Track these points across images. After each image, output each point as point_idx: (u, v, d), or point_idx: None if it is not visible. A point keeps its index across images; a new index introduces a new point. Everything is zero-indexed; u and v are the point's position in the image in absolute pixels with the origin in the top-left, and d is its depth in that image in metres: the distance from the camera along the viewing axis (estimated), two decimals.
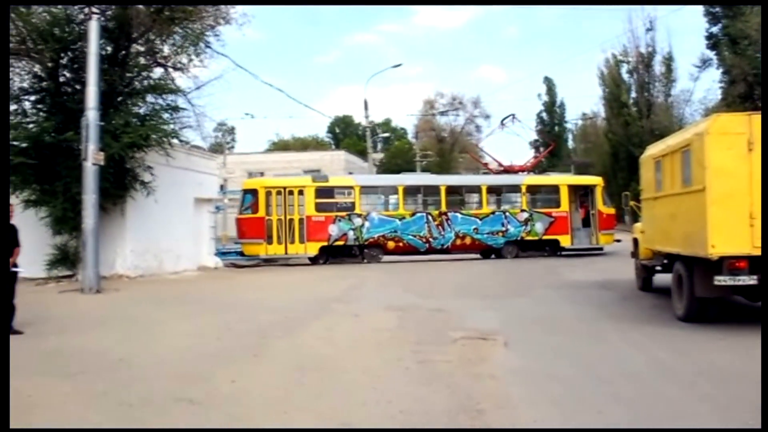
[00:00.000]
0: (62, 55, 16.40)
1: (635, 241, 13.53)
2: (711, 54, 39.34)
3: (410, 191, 23.45)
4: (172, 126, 17.56)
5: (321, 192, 22.44)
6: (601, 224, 23.38)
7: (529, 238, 23.07)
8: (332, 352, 7.91)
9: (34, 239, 14.38)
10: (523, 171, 25.91)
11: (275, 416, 5.46)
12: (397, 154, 64.18)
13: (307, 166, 41.86)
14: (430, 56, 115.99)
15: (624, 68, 45.88)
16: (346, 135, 77.33)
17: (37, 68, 16.67)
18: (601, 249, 23.56)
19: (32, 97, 17.05)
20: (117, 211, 17.00)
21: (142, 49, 17.90)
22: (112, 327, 10.05)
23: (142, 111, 17.56)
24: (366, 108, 38.88)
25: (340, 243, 22.23)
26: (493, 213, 23.05)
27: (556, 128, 73.99)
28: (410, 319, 10.15)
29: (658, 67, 43.96)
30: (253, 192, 22.31)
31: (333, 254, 22.34)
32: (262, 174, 35.77)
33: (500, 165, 27.27)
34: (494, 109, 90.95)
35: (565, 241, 23.23)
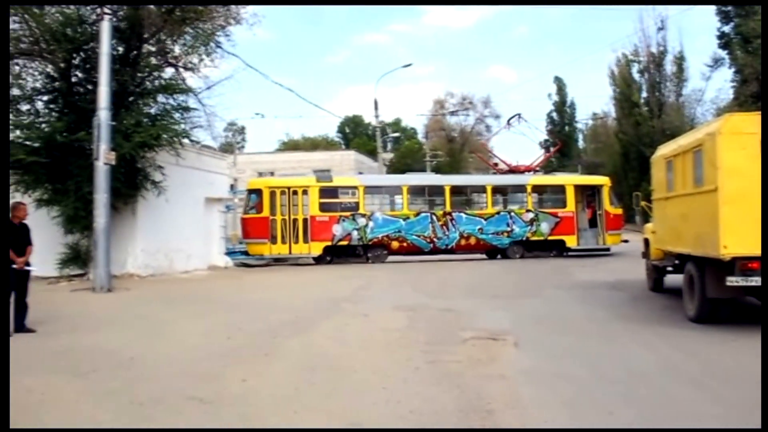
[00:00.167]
0: (74, 55, 16.52)
1: (646, 242, 13.45)
2: (723, 53, 39.15)
3: (414, 191, 23.41)
4: (182, 126, 17.66)
5: (325, 192, 22.45)
6: (608, 224, 23.23)
7: (535, 238, 22.95)
8: (342, 352, 7.92)
9: (46, 238, 14.51)
10: (529, 171, 25.80)
11: (285, 415, 5.47)
12: (407, 154, 64.14)
13: (317, 165, 41.77)
14: (440, 56, 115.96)
15: (635, 68, 45.70)
16: (356, 135, 77.35)
17: (49, 68, 16.81)
18: (608, 249, 23.41)
19: (45, 97, 17.18)
20: (128, 211, 17.09)
21: (153, 49, 17.99)
22: (123, 326, 10.11)
23: (153, 111, 17.66)
24: (376, 108, 38.94)
25: (344, 243, 22.22)
26: (498, 213, 22.96)
27: (567, 128, 73.79)
28: (420, 319, 10.15)
29: (669, 67, 43.77)
30: (258, 192, 22.37)
31: (337, 254, 22.33)
32: (272, 174, 35.85)
33: (506, 165, 27.22)
34: (504, 109, 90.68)
35: (571, 241, 23.10)
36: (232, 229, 23.44)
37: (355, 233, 22.15)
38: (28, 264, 9.37)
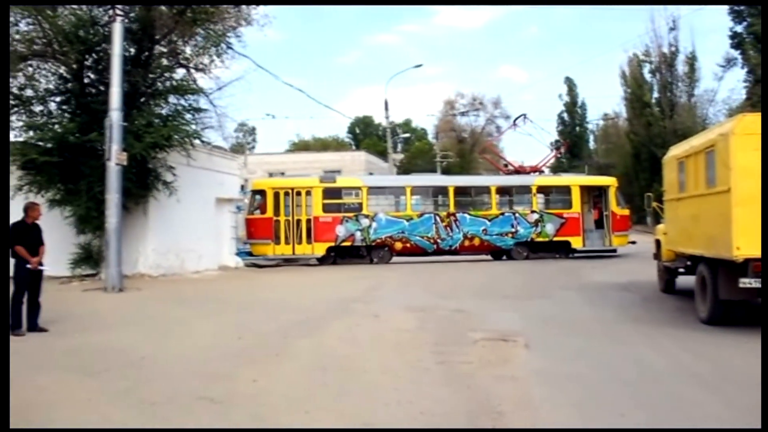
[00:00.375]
0: (87, 56, 16.62)
1: (658, 243, 13.39)
2: (736, 53, 38.86)
3: (418, 192, 23.37)
4: (193, 126, 17.70)
5: (328, 193, 22.45)
6: (615, 226, 23.01)
7: (540, 239, 22.79)
8: (353, 352, 7.92)
9: (59, 238, 14.60)
10: (534, 172, 25.70)
11: (297, 416, 5.48)
12: (417, 155, 64.11)
13: (327, 166, 41.98)
14: (450, 56, 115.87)
15: (646, 68, 45.45)
16: (366, 135, 77.40)
17: (62, 70, 16.93)
18: (614, 251, 23.23)
19: (58, 98, 17.29)
20: (139, 211, 17.16)
21: (164, 50, 18.07)
22: (135, 325, 10.16)
23: (164, 112, 17.73)
24: (386, 108, 38.95)
25: (347, 244, 22.20)
26: (502, 214, 22.79)
27: (577, 129, 73.53)
28: (430, 320, 10.14)
29: (681, 67, 43.48)
30: (262, 193, 22.44)
31: (341, 255, 22.32)
32: (282, 174, 35.90)
33: (512, 165, 27.11)
34: (515, 110, 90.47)
35: (576, 242, 22.91)
36: (242, 229, 23.48)
37: (358, 234, 22.13)
38: (40, 264, 9.43)
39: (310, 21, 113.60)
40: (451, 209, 22.73)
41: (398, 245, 22.37)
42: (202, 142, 18.44)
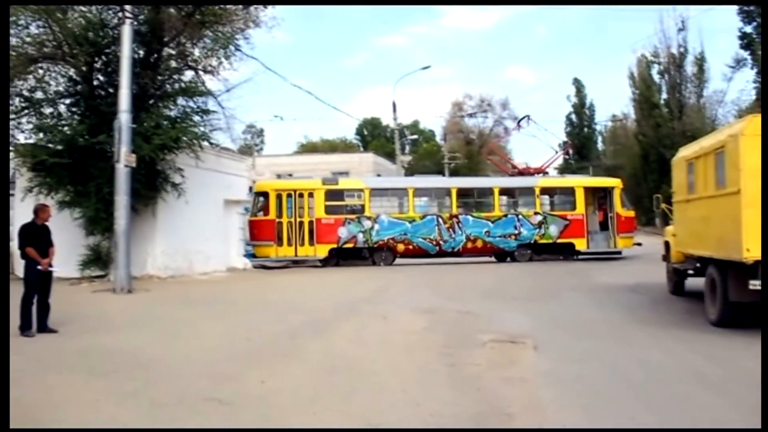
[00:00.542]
0: (96, 59, 16.73)
1: (667, 245, 13.33)
2: (745, 54, 38.68)
3: (421, 194, 23.35)
4: (202, 128, 17.76)
5: (331, 194, 22.50)
6: (620, 227, 22.91)
7: (543, 241, 22.71)
8: (361, 354, 7.92)
9: (68, 240, 14.67)
10: (538, 173, 25.62)
11: (305, 417, 5.49)
12: (425, 156, 64.07)
13: (335, 168, 41.99)
14: (458, 58, 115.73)
15: (655, 69, 45.33)
16: (374, 137, 77.40)
17: (72, 72, 17.03)
18: (619, 253, 23.11)
19: (67, 101, 17.40)
20: (148, 212, 17.22)
21: (173, 52, 18.15)
22: (144, 327, 10.19)
23: (172, 113, 17.82)
24: (394, 110, 38.93)
25: (350, 245, 22.21)
26: (505, 216, 22.72)
27: (586, 130, 73.32)
28: (439, 322, 10.13)
29: (690, 68, 43.36)
30: (264, 194, 22.49)
31: (343, 257, 22.34)
32: (290, 175, 35.95)
33: (515, 167, 27.05)
34: (523, 111, 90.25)
35: (580, 244, 22.81)
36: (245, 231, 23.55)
37: (360, 236, 22.14)
38: (50, 265, 9.47)
39: (318, 23, 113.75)
40: (454, 211, 22.71)
41: (400, 247, 22.36)
42: (211, 143, 18.49)
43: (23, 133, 17.07)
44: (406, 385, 6.37)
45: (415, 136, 68.93)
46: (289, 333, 9.29)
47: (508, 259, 22.95)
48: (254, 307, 12.48)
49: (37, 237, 9.41)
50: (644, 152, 45.19)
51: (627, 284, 14.88)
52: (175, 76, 18.27)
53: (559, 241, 22.76)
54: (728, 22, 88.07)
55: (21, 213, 14.64)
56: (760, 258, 8.01)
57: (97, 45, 16.33)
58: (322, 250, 22.10)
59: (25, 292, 9.19)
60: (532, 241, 22.72)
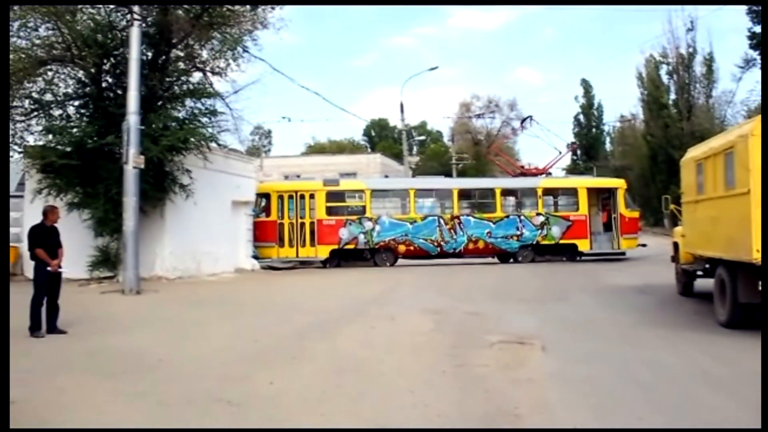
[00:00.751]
0: (105, 61, 16.81)
1: (675, 246, 13.28)
2: (754, 53, 38.39)
3: (422, 195, 23.32)
4: (210, 129, 17.82)
5: (332, 196, 22.57)
6: (623, 228, 22.73)
7: (545, 242, 22.60)
8: (369, 355, 7.92)
9: (77, 241, 14.74)
10: (541, 174, 25.57)
11: (313, 418, 5.49)
12: (432, 157, 64.03)
13: (343, 169, 42.05)
14: (466, 59, 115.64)
15: (663, 69, 45.09)
16: (381, 138, 77.41)
17: (81, 74, 17.13)
18: (623, 254, 22.99)
19: (76, 102, 17.50)
20: (156, 214, 17.28)
21: (181, 54, 18.21)
22: (152, 328, 10.23)
23: (181, 115, 17.89)
24: (402, 111, 38.90)
25: (351, 247, 22.24)
26: (507, 216, 22.62)
27: (594, 130, 73.08)
28: (446, 323, 10.12)
29: (698, 68, 43.08)
30: (266, 196, 22.61)
31: (344, 258, 22.38)
32: (298, 176, 36.03)
33: (517, 167, 26.97)
34: (531, 112, 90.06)
35: (583, 245, 22.68)
36: None
37: (361, 237, 22.15)
38: (59, 266, 9.51)
39: (325, 24, 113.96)
40: (455, 212, 22.67)
41: (401, 248, 22.35)
42: (219, 145, 18.54)
43: (32, 135, 17.19)
44: (414, 386, 6.36)
45: (422, 137, 69.02)
46: (296, 334, 9.30)
47: (511, 260, 22.85)
48: (262, 308, 12.50)
49: (47, 238, 9.46)
50: (652, 153, 44.97)
51: (635, 285, 14.83)
52: (183, 78, 18.33)
53: (562, 242, 22.64)
54: (737, 21, 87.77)
55: (30, 214, 14.73)
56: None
57: (105, 47, 16.42)
58: (323, 251, 22.16)
59: (35, 293, 9.24)
60: (534, 242, 22.62)
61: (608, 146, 72.49)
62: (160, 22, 16.83)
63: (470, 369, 7.04)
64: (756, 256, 7.99)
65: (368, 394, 6.22)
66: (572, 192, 23.29)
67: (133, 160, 14.60)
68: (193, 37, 17.70)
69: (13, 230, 17.37)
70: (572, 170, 57.79)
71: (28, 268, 11.79)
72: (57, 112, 17.26)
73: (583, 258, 22.74)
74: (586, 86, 72.11)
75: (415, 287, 15.76)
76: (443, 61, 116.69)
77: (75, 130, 16.65)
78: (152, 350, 8.24)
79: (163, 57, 17.54)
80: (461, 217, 22.53)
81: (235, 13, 17.74)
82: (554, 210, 23.09)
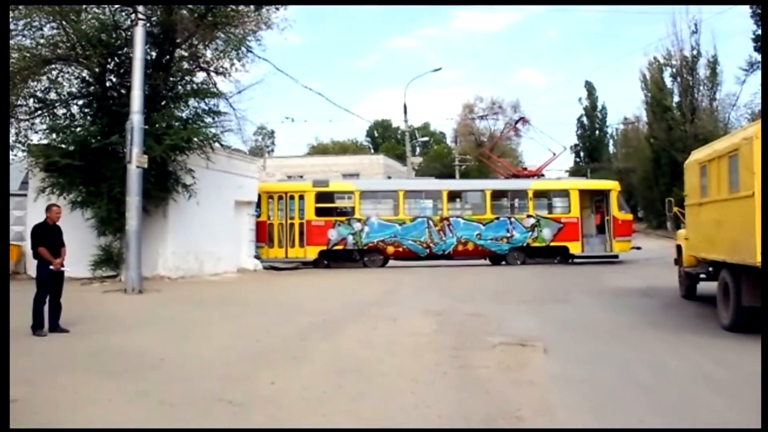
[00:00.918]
0: (109, 60, 16.84)
1: (678, 248, 13.25)
2: (759, 56, 38.29)
3: (411, 196, 23.28)
4: (213, 129, 17.85)
5: (321, 197, 22.64)
6: (616, 231, 22.62)
7: (536, 244, 22.50)
8: (370, 356, 7.91)
9: (80, 240, 14.76)
10: (533, 176, 25.53)
11: (314, 418, 5.49)
12: (435, 159, 64.01)
13: (346, 169, 42.07)
14: (469, 60, 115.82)
15: (667, 72, 45.01)
16: (384, 139, 77.53)
17: (85, 73, 17.16)
18: (615, 257, 22.85)
19: (80, 102, 17.53)
20: (159, 213, 17.29)
21: (185, 53, 18.23)
22: (154, 327, 10.23)
23: (184, 114, 17.92)
24: (405, 112, 38.87)
25: (340, 247, 22.28)
26: (497, 218, 22.52)
27: (597, 133, 73.12)
28: (448, 324, 10.11)
29: (702, 71, 42.97)
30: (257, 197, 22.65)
31: (333, 259, 22.42)
32: (301, 177, 36.06)
33: (510, 170, 26.95)
34: (534, 114, 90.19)
35: (574, 247, 22.56)
36: None
37: (350, 238, 22.18)
38: (62, 265, 9.52)
39: (329, 25, 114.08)
40: (445, 213, 22.63)
41: (390, 249, 22.38)
42: (222, 145, 18.56)
43: (37, 134, 17.22)
44: (415, 387, 6.36)
45: (425, 138, 68.92)
46: (298, 334, 9.29)
47: (503, 262, 22.72)
48: (264, 308, 12.50)
49: (49, 237, 9.47)
50: (656, 155, 44.88)
51: (638, 287, 14.80)
52: (187, 78, 18.36)
53: (553, 244, 22.55)
54: (742, 24, 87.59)
55: (33, 213, 14.76)
56: None
57: (110, 46, 16.44)
58: (312, 252, 22.23)
59: (37, 291, 9.25)
60: (525, 244, 22.54)
61: (611, 148, 72.50)
62: (165, 21, 16.85)
63: (471, 370, 7.03)
64: (759, 259, 7.96)
65: (369, 394, 6.22)
66: (564, 194, 23.18)
67: (136, 160, 14.62)
68: (197, 37, 17.73)
69: (16, 228, 17.43)
70: (575, 172, 57.80)
71: (31, 266, 11.80)
72: (61, 111, 17.32)
73: (575, 261, 22.62)
74: (590, 88, 72.30)
75: (417, 288, 15.75)
76: (447, 63, 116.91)
77: (79, 129, 16.67)
78: (154, 350, 8.24)
79: (167, 57, 17.56)
80: (450, 219, 22.50)
81: (240, 13, 17.75)
82: (548, 212, 22.98)
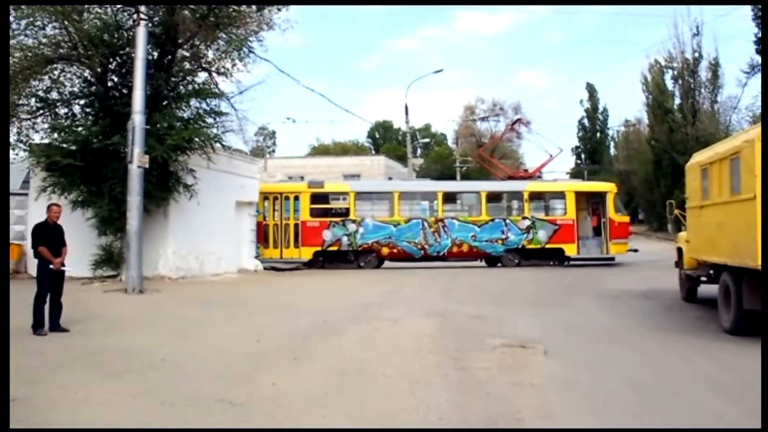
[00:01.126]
0: (111, 60, 16.86)
1: (679, 251, 13.24)
2: (760, 58, 38.25)
3: (406, 197, 23.27)
4: (214, 130, 17.87)
5: (316, 198, 22.69)
6: (613, 233, 22.51)
7: (531, 246, 22.43)
8: (371, 357, 7.91)
9: (80, 240, 14.76)
10: (530, 177, 25.50)
11: (315, 419, 5.49)
12: (437, 160, 64.00)
13: (347, 170, 42.05)
14: (471, 62, 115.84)
15: (668, 74, 44.98)
16: (385, 140, 77.53)
17: (87, 73, 17.17)
18: (612, 259, 22.79)
19: (82, 101, 17.54)
20: (160, 213, 17.29)
21: (187, 54, 18.26)
22: (155, 327, 10.23)
23: (186, 115, 17.92)
24: (406, 113, 38.88)
25: (334, 248, 22.32)
26: (492, 220, 22.46)
27: (598, 135, 73.05)
28: (449, 326, 10.10)
29: (703, 73, 42.92)
30: None
31: (328, 259, 22.45)
32: (302, 178, 36.07)
33: (506, 171, 26.93)
34: (535, 115, 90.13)
35: (570, 249, 22.48)
36: None
37: (345, 239, 22.21)
38: (63, 264, 9.52)
39: (331, 26, 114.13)
40: (440, 215, 22.63)
41: (385, 250, 22.40)
42: (223, 145, 18.57)
43: (38, 133, 17.23)
44: (416, 389, 6.36)
45: (426, 140, 68.93)
46: (299, 335, 9.29)
47: (499, 264, 22.70)
48: (265, 308, 12.49)
49: (50, 236, 9.47)
50: (657, 158, 44.84)
51: (639, 290, 14.79)
52: (189, 78, 18.38)
53: (548, 246, 22.47)
54: (744, 27, 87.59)
55: (35, 212, 14.78)
56: None
57: (111, 46, 16.46)
58: (306, 253, 22.28)
59: (38, 291, 9.26)
60: (520, 246, 22.48)
61: (612, 151, 72.42)
62: (167, 22, 16.87)
63: (472, 372, 7.03)
64: (761, 262, 7.95)
65: (370, 395, 6.21)
66: (560, 196, 23.12)
67: (137, 160, 14.63)
68: (199, 38, 17.75)
69: (18, 228, 17.46)
70: (576, 174, 57.73)
71: (32, 265, 11.80)
72: (63, 111, 17.34)
73: (571, 263, 22.51)
74: (591, 90, 72.25)
75: (418, 289, 15.75)
76: (448, 64, 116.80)
77: (80, 129, 16.70)
78: (154, 350, 8.24)
79: (169, 57, 17.58)
80: (445, 220, 22.48)
81: (242, 13, 17.76)
82: (544, 214, 22.92)
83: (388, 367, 7.29)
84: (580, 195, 23.21)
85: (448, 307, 12.30)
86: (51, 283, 9.33)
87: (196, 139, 16.85)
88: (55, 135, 16.71)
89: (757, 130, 8.50)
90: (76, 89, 17.51)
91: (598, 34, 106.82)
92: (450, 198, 23.58)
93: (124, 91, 16.69)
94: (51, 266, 9.30)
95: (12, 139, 16.37)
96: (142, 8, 15.17)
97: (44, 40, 16.39)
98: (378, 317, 10.99)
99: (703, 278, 11.58)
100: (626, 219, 23.68)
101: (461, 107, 76.66)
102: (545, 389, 6.39)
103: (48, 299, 9.31)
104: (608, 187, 23.73)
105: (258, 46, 18.66)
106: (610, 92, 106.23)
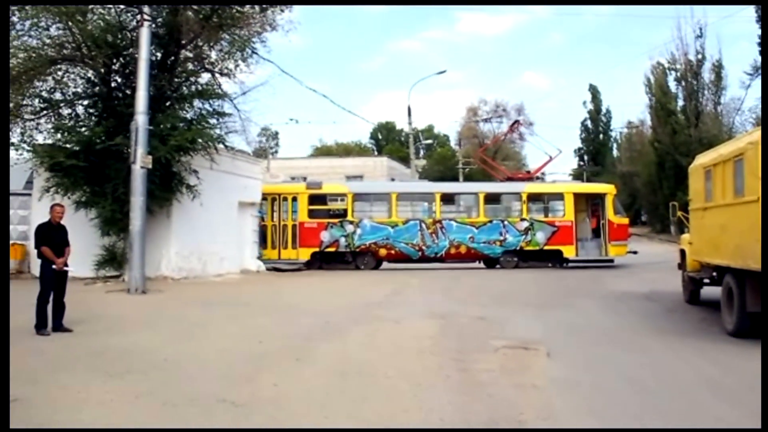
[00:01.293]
0: (114, 61, 16.89)
1: (682, 253, 13.22)
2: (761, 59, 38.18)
3: (404, 198, 23.27)
4: (217, 130, 17.90)
5: (314, 199, 22.72)
6: (612, 235, 22.44)
7: (529, 248, 22.37)
8: (373, 358, 7.91)
9: (84, 240, 14.76)
10: (528, 179, 25.46)
11: (316, 420, 5.49)
12: (439, 161, 63.98)
13: (350, 171, 42.02)
14: (473, 63, 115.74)
15: (671, 76, 44.91)
16: (388, 141, 77.48)
17: (90, 74, 17.21)
18: (611, 261, 22.71)
19: (85, 102, 17.57)
20: (163, 214, 17.31)
21: (190, 55, 18.28)
22: (157, 327, 10.23)
23: (189, 115, 17.96)
24: (409, 114, 38.94)
25: (332, 249, 22.34)
26: (490, 221, 22.42)
27: (601, 136, 72.97)
28: (451, 327, 10.10)
29: (707, 75, 42.86)
30: None
31: (326, 260, 22.47)
32: (304, 179, 36.07)
33: (505, 173, 26.91)
34: (538, 117, 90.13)
35: (568, 251, 22.42)
36: None
37: (342, 240, 22.24)
38: (66, 265, 9.53)
39: (333, 27, 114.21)
40: (438, 216, 22.62)
41: (383, 252, 22.42)
42: (226, 146, 18.59)
43: (41, 134, 17.26)
44: (418, 390, 6.35)
45: (429, 141, 68.92)
46: (301, 336, 9.29)
47: (498, 265, 22.66)
48: (267, 309, 12.50)
49: (53, 236, 9.48)
50: (660, 159, 44.77)
51: (641, 292, 14.77)
52: (192, 79, 18.40)
53: (546, 247, 22.41)
54: (747, 28, 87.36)
55: (38, 212, 14.81)
56: None
57: (115, 47, 16.49)
58: (304, 254, 22.33)
59: (41, 291, 9.27)
60: (518, 248, 22.44)
61: (615, 152, 72.35)
62: (170, 23, 16.90)
63: (474, 373, 7.02)
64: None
65: (372, 396, 6.21)
66: (558, 197, 23.06)
67: (140, 160, 14.64)
68: (202, 38, 17.78)
69: (21, 228, 17.50)
70: (578, 175, 57.70)
71: (35, 265, 11.82)
72: (66, 112, 17.37)
73: (569, 265, 22.49)
74: (594, 92, 72.21)
75: (419, 291, 15.74)
76: (451, 65, 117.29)
77: (84, 129, 16.72)
78: (157, 350, 8.25)
79: (172, 58, 17.61)
80: (443, 222, 22.45)
81: (245, 14, 17.80)
82: (543, 215, 22.86)
83: (390, 368, 7.29)
84: (578, 196, 23.17)
85: (449, 308, 12.30)
86: (54, 283, 9.34)
87: (199, 140, 16.88)
88: (59, 135, 16.73)
89: (761, 132, 8.48)
90: (79, 90, 17.55)
91: (600, 35, 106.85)
92: (448, 199, 23.54)
93: (128, 91, 16.71)
94: (53, 266, 9.31)
95: (16, 139, 16.45)
96: (146, 9, 15.19)
97: (48, 41, 16.43)
98: (380, 318, 10.99)
99: (706, 280, 11.56)
100: (625, 221, 23.60)
101: (464, 108, 76.57)
102: (547, 391, 6.38)
103: (51, 299, 9.32)
104: (607, 189, 23.69)
105: (261, 47, 18.74)
106: (613, 94, 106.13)
